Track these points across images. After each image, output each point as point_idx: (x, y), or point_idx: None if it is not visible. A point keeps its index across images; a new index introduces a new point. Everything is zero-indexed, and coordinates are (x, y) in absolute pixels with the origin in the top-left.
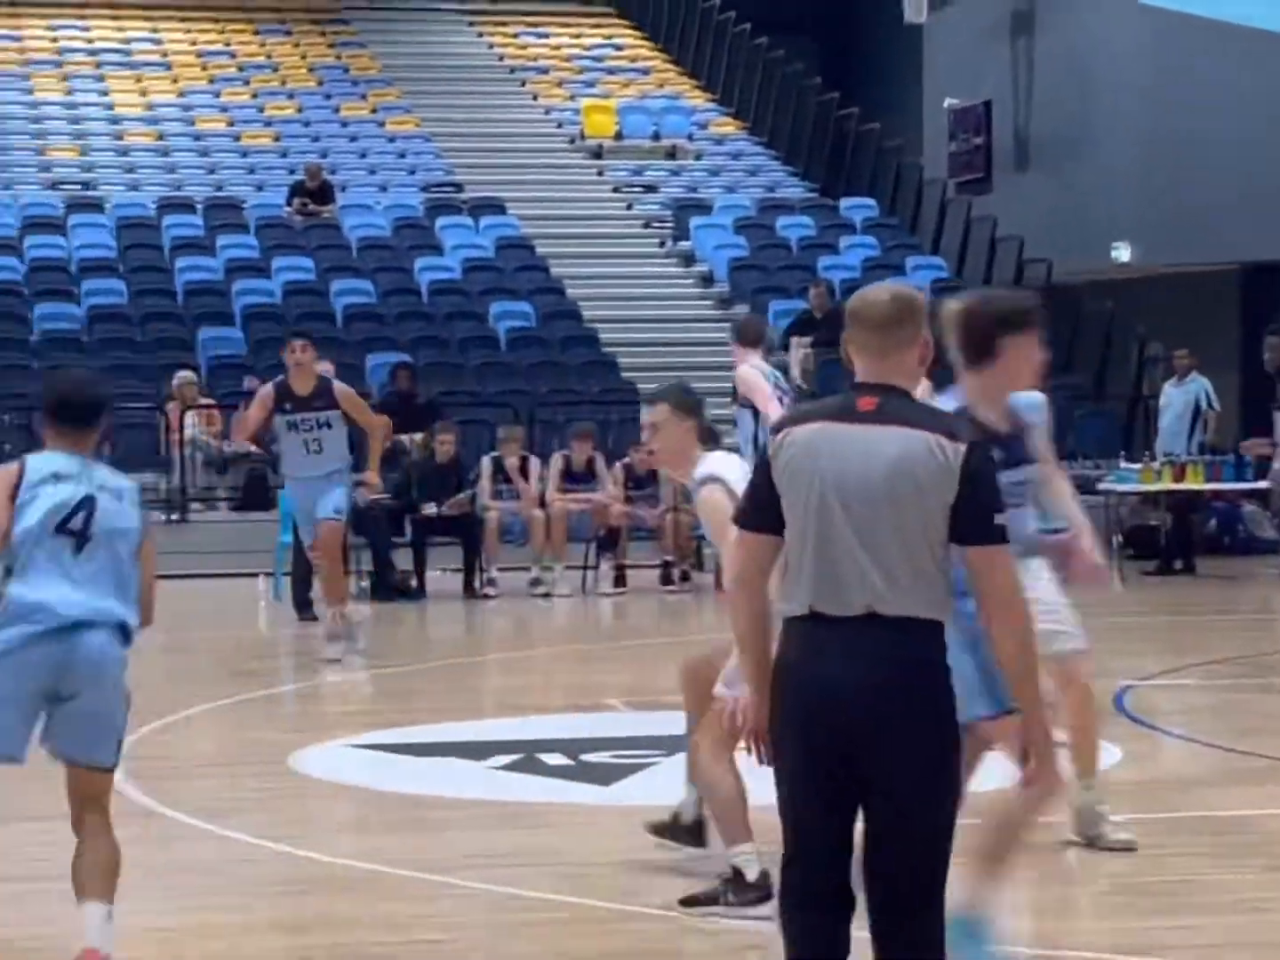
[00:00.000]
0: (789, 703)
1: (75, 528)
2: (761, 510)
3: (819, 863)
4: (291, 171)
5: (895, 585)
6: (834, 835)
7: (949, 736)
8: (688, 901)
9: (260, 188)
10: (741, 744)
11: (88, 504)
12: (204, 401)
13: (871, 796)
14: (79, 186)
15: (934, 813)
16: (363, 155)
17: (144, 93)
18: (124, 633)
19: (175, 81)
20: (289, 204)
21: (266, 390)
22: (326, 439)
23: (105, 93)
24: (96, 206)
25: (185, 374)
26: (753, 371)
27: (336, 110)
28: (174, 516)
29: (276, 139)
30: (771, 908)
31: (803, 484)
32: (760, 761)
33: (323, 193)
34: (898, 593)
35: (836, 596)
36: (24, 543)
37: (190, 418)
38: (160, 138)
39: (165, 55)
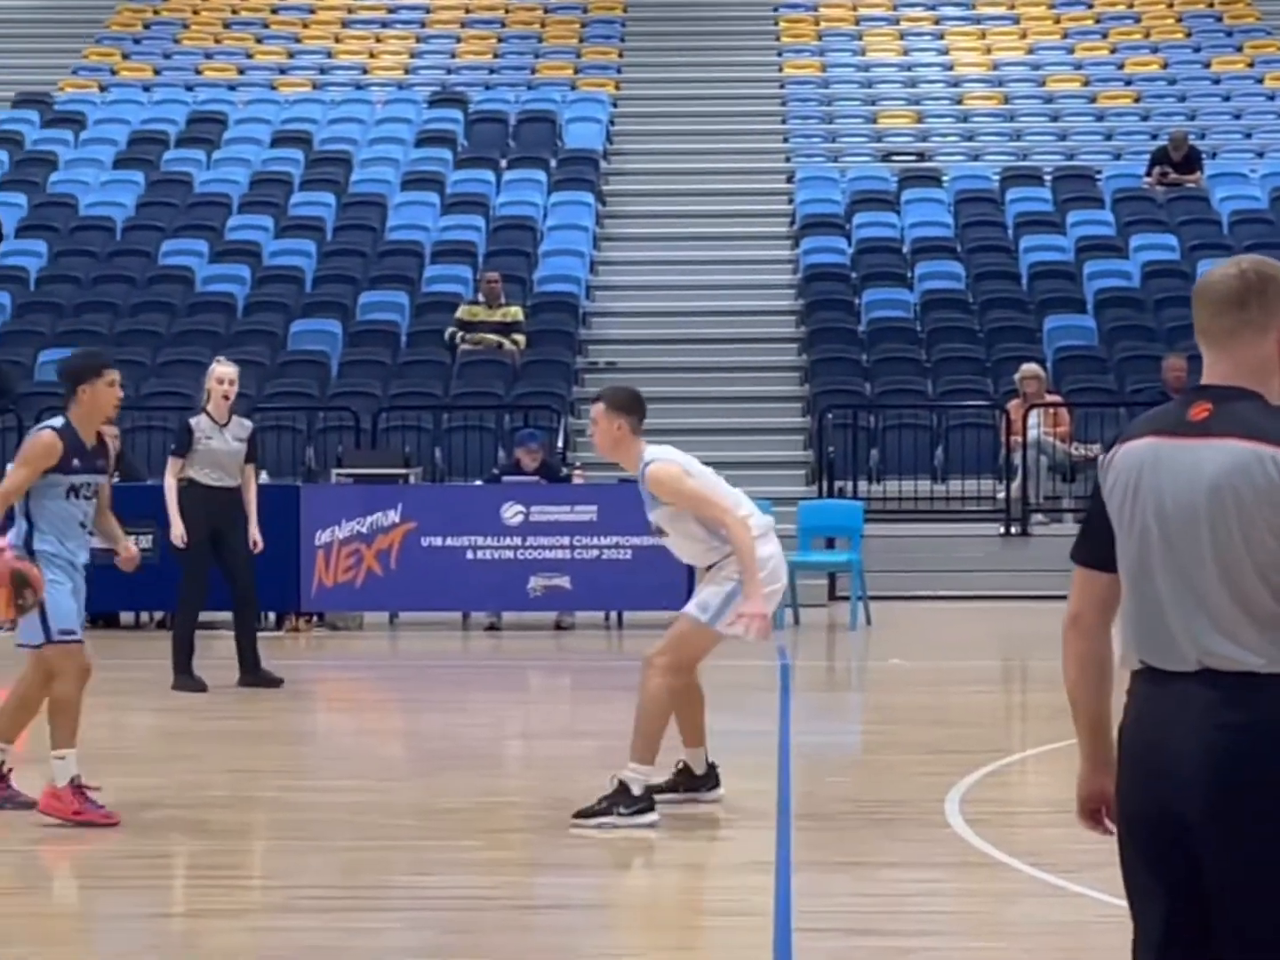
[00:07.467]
0: (1121, 776)
1: None
2: (1092, 542)
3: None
4: (1154, 136)
5: (1227, 633)
6: (1182, 929)
7: None
8: (581, 814)
9: (1118, 156)
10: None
11: None
12: (1049, 399)
13: (1209, 888)
14: (912, 157)
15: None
16: (1237, 116)
17: (988, 50)
18: None
19: (1023, 37)
20: (1148, 174)
21: None
22: None
23: (944, 51)
24: (932, 179)
25: (1030, 367)
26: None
27: (1207, 65)
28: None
29: (1137, 100)
30: (653, 818)
31: (1125, 512)
32: (1105, 832)
33: (1188, 161)
34: (1231, 643)
35: (1166, 648)
36: None
37: (1034, 416)
38: (1005, 101)
39: (1013, 8)
